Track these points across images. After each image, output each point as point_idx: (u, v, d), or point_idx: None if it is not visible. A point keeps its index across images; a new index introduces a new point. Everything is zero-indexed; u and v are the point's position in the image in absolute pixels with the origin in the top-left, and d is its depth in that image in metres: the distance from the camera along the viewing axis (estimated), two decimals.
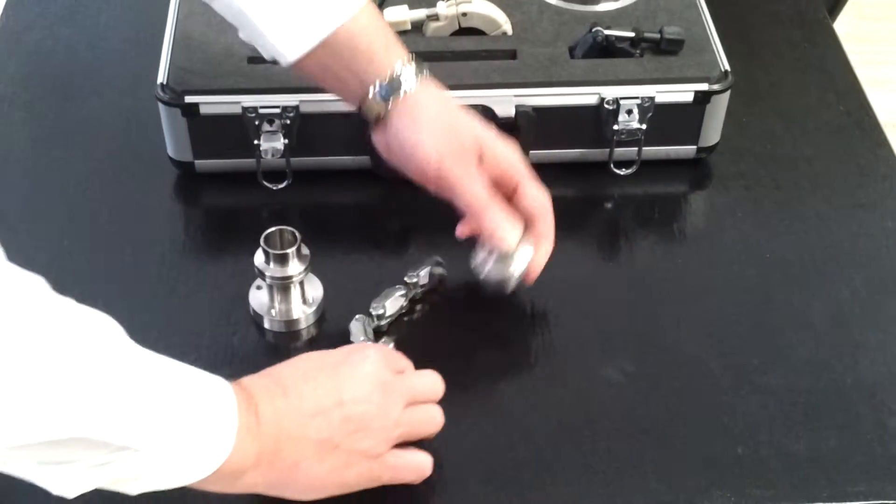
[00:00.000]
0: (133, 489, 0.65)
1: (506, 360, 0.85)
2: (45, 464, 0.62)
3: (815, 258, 0.96)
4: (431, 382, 0.79)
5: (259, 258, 0.85)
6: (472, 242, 0.88)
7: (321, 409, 0.72)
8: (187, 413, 0.65)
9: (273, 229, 0.85)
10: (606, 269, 0.96)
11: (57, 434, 0.59)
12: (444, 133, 0.83)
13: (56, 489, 0.63)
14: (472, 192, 0.83)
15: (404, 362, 0.79)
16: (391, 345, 0.86)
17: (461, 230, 0.87)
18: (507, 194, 0.86)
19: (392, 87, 0.83)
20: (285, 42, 0.83)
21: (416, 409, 0.77)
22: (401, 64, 0.83)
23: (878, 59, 2.29)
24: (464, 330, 0.88)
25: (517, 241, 0.85)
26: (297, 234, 0.84)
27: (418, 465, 0.76)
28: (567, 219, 0.97)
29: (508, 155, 0.85)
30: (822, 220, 1.00)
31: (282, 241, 0.85)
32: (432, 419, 0.78)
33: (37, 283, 0.61)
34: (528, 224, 0.86)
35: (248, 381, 0.72)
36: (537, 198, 0.85)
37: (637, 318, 0.91)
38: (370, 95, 0.83)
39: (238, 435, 0.67)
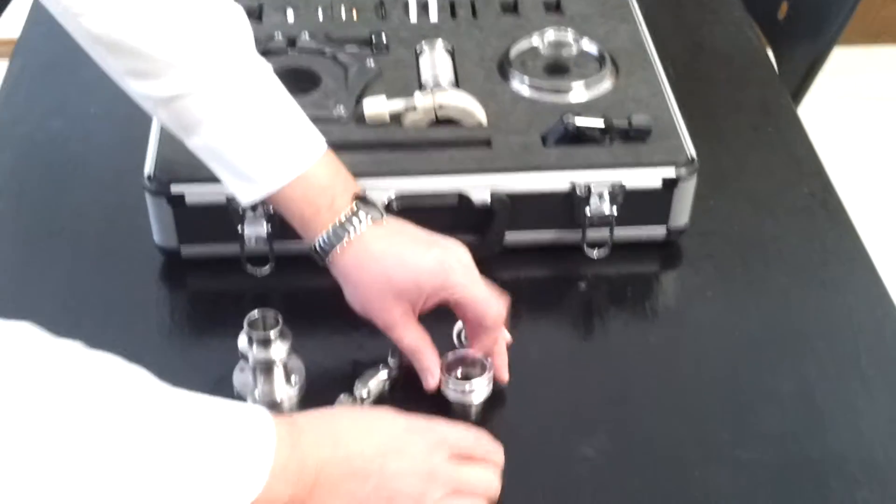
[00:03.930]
0: None
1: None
2: None
3: (783, 335, 0.99)
4: (487, 480, 0.79)
5: (242, 341, 0.87)
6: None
7: (362, 472, 0.74)
8: (221, 449, 0.67)
9: (256, 312, 0.87)
10: (581, 347, 0.99)
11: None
12: (375, 280, 0.87)
13: None
14: (402, 337, 0.88)
15: (472, 442, 0.80)
16: None
17: None
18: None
19: (333, 239, 0.87)
20: (240, 190, 0.89)
21: (458, 498, 0.77)
22: (347, 213, 0.87)
23: (841, 141, 2.35)
24: (442, 407, 0.90)
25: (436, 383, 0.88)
26: (280, 317, 0.86)
27: None
28: (542, 299, 1.00)
29: (448, 289, 0.87)
30: (788, 299, 1.02)
31: (264, 323, 0.87)
32: None
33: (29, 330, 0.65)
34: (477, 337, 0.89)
35: (305, 421, 0.75)
36: (477, 316, 0.88)
37: (611, 395, 0.93)
38: (315, 245, 0.88)
39: (272, 475, 0.69)
